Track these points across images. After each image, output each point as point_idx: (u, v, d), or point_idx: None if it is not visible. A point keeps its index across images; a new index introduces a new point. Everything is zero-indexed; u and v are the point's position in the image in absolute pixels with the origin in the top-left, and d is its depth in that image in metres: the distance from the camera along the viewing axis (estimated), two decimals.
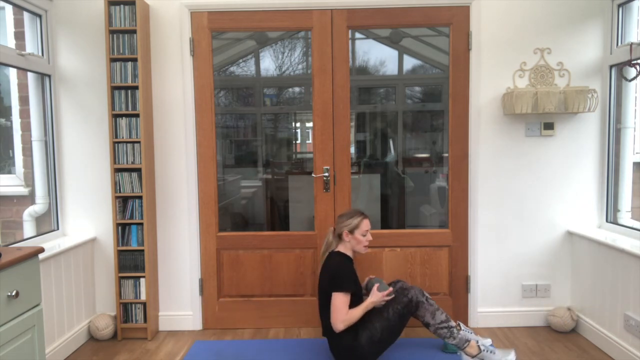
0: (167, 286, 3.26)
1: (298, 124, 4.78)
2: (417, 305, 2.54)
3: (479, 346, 2.56)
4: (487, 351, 2.57)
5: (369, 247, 2.79)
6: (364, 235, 2.66)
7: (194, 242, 3.22)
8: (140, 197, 3.04)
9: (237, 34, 3.81)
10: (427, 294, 2.60)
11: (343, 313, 2.48)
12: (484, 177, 3.18)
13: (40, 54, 3.06)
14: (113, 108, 3.00)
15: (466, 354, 2.58)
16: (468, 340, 2.53)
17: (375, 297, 2.55)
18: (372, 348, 2.51)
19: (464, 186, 3.22)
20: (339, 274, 2.56)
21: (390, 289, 2.59)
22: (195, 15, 3.14)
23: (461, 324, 2.87)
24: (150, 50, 3.14)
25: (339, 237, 2.70)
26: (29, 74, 3.10)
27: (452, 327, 2.53)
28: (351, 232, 2.65)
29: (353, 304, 2.54)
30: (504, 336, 3.07)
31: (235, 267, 3.27)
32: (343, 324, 2.48)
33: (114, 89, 3.00)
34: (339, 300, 2.49)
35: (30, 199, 3.59)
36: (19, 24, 3.43)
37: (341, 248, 2.69)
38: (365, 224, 2.67)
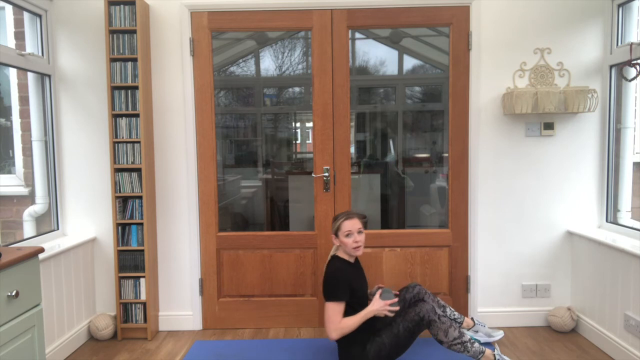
0: (167, 286, 3.26)
1: (298, 124, 4.77)
2: (429, 323, 2.44)
3: (494, 355, 2.48)
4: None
5: (368, 247, 2.69)
6: (348, 236, 2.48)
7: (194, 242, 3.23)
8: (140, 197, 3.04)
9: (237, 34, 3.81)
10: (439, 312, 2.46)
11: (335, 322, 2.42)
12: (484, 177, 3.18)
13: (40, 54, 3.06)
14: (113, 108, 3.00)
15: None
16: (482, 352, 2.45)
17: (377, 305, 2.46)
18: None
19: (464, 186, 3.22)
20: (331, 282, 2.49)
21: (395, 299, 2.49)
22: (195, 15, 3.14)
23: (474, 319, 2.87)
24: (150, 50, 3.14)
25: None
26: (29, 74, 3.10)
27: (465, 342, 2.44)
28: (335, 234, 2.55)
29: (354, 310, 2.48)
30: (504, 336, 3.07)
31: (235, 267, 3.27)
32: (335, 332, 2.43)
33: (114, 89, 3.00)
34: (331, 309, 2.43)
35: (30, 199, 3.59)
36: (19, 24, 3.43)
37: (340, 252, 2.60)
38: (347, 225, 2.49)
